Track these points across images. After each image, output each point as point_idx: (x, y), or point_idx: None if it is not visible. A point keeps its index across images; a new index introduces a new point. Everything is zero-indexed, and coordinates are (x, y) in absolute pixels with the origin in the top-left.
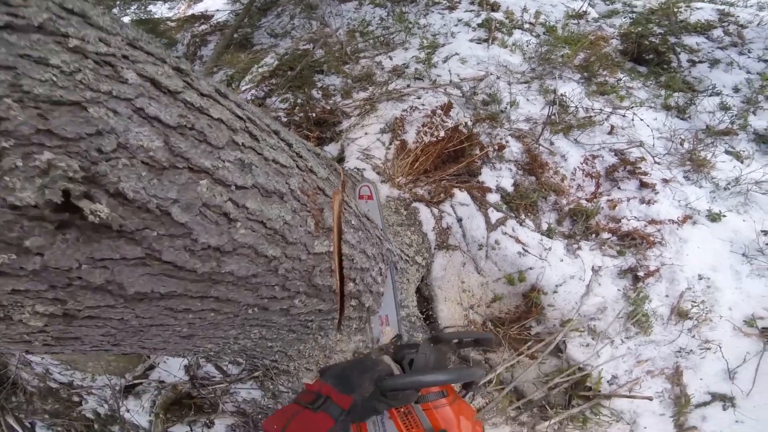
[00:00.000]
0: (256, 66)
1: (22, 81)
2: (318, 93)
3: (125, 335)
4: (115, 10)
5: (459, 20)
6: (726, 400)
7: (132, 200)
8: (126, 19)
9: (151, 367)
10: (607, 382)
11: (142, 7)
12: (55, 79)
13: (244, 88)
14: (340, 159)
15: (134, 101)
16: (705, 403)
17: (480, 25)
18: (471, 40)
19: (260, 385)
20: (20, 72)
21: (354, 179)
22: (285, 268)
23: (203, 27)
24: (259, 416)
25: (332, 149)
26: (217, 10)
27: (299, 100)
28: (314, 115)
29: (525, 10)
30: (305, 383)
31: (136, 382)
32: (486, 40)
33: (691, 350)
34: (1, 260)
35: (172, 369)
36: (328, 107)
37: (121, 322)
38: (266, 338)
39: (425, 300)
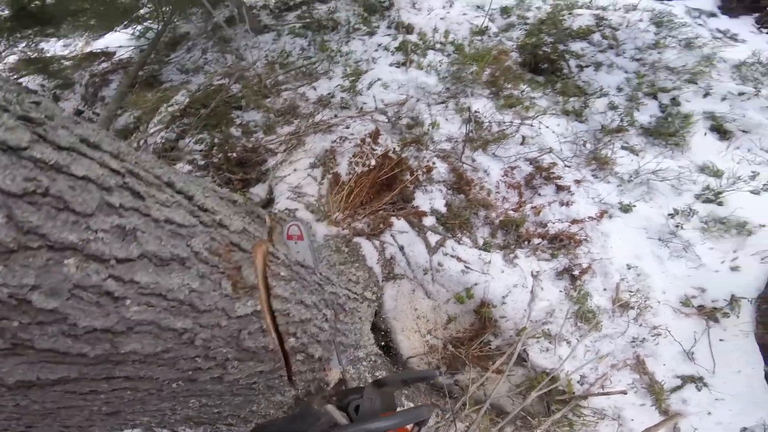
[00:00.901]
0: (165, 105)
1: None
2: (237, 131)
3: (34, 418)
4: None
5: (379, 45)
6: (696, 381)
7: None
8: (13, 59)
9: None
10: (578, 382)
11: (32, 45)
12: None
13: (152, 131)
14: (270, 200)
15: None
16: (678, 387)
17: (397, 49)
18: (391, 65)
19: None
20: None
21: (285, 222)
22: (203, 338)
23: (104, 65)
24: None
25: (260, 190)
26: (120, 47)
27: (216, 140)
28: (235, 155)
29: (435, 30)
30: None
31: None
32: (404, 64)
33: (644, 338)
34: None
35: None
36: (250, 145)
37: (20, 408)
38: (209, 405)
39: (383, 333)
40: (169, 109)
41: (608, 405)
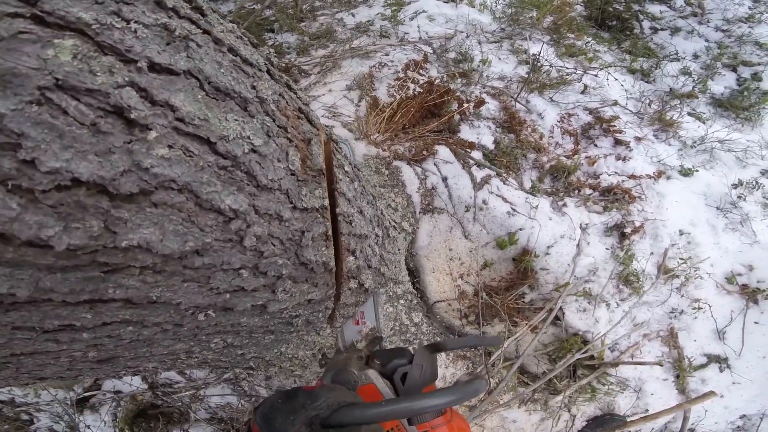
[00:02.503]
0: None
1: None
2: (269, 51)
3: (31, 367)
4: None
5: None
6: (721, 362)
7: None
8: None
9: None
10: (609, 349)
11: None
12: None
13: None
14: None
15: None
16: (702, 366)
17: None
18: None
19: (234, 387)
20: None
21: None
22: (256, 235)
23: None
24: (240, 420)
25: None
26: None
27: None
28: None
29: None
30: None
31: (88, 395)
32: None
33: (683, 310)
34: None
35: (125, 377)
36: (283, 65)
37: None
38: (234, 346)
39: (410, 272)
40: None
41: (633, 376)
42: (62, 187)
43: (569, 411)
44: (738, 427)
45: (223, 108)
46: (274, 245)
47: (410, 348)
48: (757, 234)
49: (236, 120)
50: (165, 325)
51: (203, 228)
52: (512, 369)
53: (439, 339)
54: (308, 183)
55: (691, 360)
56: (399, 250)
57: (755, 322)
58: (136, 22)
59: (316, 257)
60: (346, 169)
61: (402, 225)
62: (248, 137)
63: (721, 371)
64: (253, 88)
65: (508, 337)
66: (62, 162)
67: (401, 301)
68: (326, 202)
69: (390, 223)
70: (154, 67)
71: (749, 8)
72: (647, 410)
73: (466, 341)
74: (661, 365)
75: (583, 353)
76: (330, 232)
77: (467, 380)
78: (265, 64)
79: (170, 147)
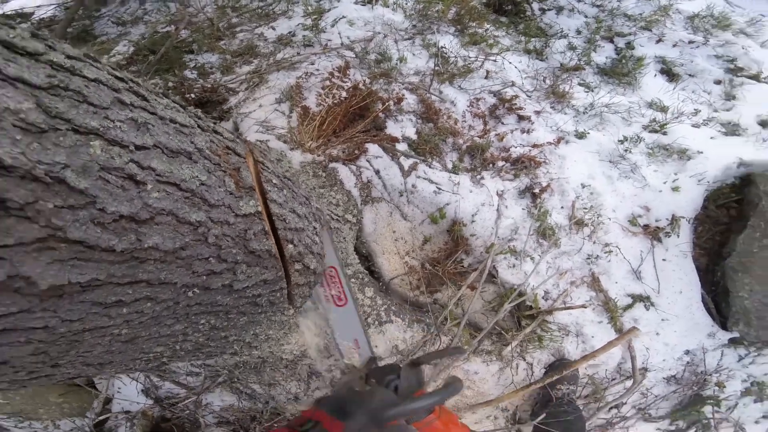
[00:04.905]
0: (105, 56)
1: None
2: (192, 73)
3: (59, 350)
4: None
5: None
6: (644, 300)
7: (11, 167)
8: None
9: (108, 401)
10: (543, 298)
11: None
12: None
13: None
14: (237, 136)
15: None
16: (629, 306)
17: None
18: (356, 2)
19: (231, 389)
20: None
21: (260, 148)
22: (215, 235)
23: (23, 26)
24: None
25: (225, 127)
26: (38, 6)
27: (171, 83)
28: (193, 95)
29: None
30: (301, 410)
31: (102, 418)
32: (369, 2)
33: (598, 255)
34: None
35: (130, 396)
36: (209, 85)
37: (47, 332)
38: (217, 328)
39: (365, 258)
40: (112, 59)
41: (570, 321)
42: (115, 219)
43: (524, 360)
44: (687, 362)
45: (178, 161)
46: (228, 241)
47: (399, 363)
48: (647, 178)
49: (188, 167)
50: (168, 302)
51: (183, 234)
52: (461, 325)
53: (418, 355)
54: (243, 197)
55: (615, 301)
56: (344, 238)
57: (663, 260)
58: (118, 120)
59: (260, 246)
60: (274, 181)
61: (345, 217)
62: (197, 176)
63: (647, 309)
64: (192, 142)
65: (451, 299)
66: (114, 207)
67: (353, 280)
68: (260, 208)
69: (333, 216)
70: (137, 147)
71: None
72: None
73: (438, 354)
74: (585, 307)
75: (511, 302)
76: (268, 228)
77: (449, 382)
78: (195, 121)
79: (158, 191)
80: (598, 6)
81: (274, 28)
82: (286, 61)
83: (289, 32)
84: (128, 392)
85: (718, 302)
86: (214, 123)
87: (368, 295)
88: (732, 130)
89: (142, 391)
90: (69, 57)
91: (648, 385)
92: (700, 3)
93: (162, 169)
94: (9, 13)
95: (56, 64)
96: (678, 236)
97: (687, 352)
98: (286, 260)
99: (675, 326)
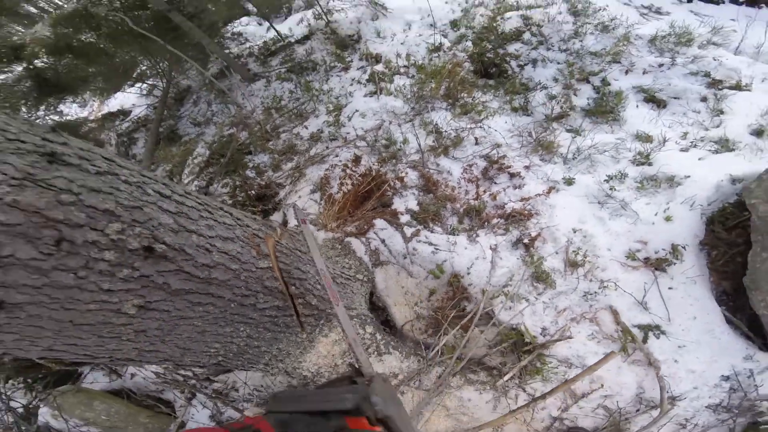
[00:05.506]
0: (190, 158)
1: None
2: (251, 172)
3: (168, 327)
4: (23, 115)
5: (353, 79)
6: (654, 329)
7: (170, 245)
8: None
9: (183, 425)
10: (540, 334)
11: (51, 108)
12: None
13: (186, 181)
14: (285, 223)
15: (159, 203)
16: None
17: (368, 80)
18: (365, 95)
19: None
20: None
21: (290, 232)
22: (244, 277)
23: (126, 125)
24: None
25: (277, 217)
26: (134, 105)
27: (237, 182)
28: (253, 192)
29: (398, 55)
30: (246, 416)
31: None
32: (375, 93)
33: (595, 292)
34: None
35: (201, 420)
36: (264, 183)
37: (167, 314)
38: (252, 337)
39: (382, 309)
40: (195, 161)
41: (571, 354)
42: (201, 264)
43: (524, 390)
44: (731, 388)
45: (227, 242)
46: (252, 280)
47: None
48: (638, 213)
49: (231, 244)
50: (222, 308)
51: (228, 273)
52: (453, 357)
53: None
54: (262, 259)
55: (627, 326)
56: (353, 291)
57: (669, 288)
58: (201, 225)
59: (271, 285)
60: (284, 251)
61: (357, 276)
62: (236, 249)
63: (657, 338)
64: (234, 233)
65: (447, 336)
66: (201, 260)
67: (355, 319)
68: (270, 265)
69: (344, 275)
70: (210, 236)
71: (573, 24)
72: (602, 384)
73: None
74: (571, 338)
75: (482, 331)
76: (278, 275)
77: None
78: (235, 221)
79: (218, 255)
80: (564, 50)
81: (306, 127)
82: (317, 156)
83: (318, 129)
84: (200, 417)
85: (752, 323)
86: (255, 217)
87: (369, 331)
88: (724, 146)
89: (210, 416)
90: (180, 194)
91: (686, 414)
92: (656, 24)
93: (220, 246)
94: (113, 111)
95: (178, 201)
96: (681, 262)
97: (726, 378)
98: (292, 296)
99: (696, 352)
